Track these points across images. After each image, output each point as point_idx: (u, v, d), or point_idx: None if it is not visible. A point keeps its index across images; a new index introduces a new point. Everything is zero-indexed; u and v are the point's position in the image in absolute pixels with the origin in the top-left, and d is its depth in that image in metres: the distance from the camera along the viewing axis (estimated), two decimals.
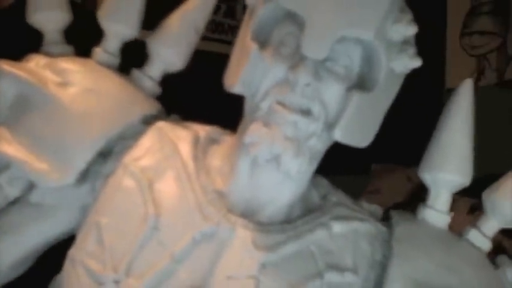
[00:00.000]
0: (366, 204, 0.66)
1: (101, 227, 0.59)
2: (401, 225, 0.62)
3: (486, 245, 0.62)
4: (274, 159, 0.56)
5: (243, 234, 0.57)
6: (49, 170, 0.61)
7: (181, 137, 0.64)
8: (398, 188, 1.54)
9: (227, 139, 0.65)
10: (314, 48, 0.55)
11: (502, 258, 0.63)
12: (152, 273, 0.56)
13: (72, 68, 0.66)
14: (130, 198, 0.60)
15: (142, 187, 0.60)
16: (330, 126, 0.57)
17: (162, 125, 0.65)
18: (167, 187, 0.60)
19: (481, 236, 0.62)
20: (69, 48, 0.72)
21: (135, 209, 0.59)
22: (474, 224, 0.63)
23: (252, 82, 0.58)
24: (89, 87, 0.65)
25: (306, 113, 0.56)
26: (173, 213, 0.58)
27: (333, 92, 0.57)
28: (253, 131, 0.56)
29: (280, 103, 0.56)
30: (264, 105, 0.57)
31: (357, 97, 0.57)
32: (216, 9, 1.73)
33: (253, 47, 0.58)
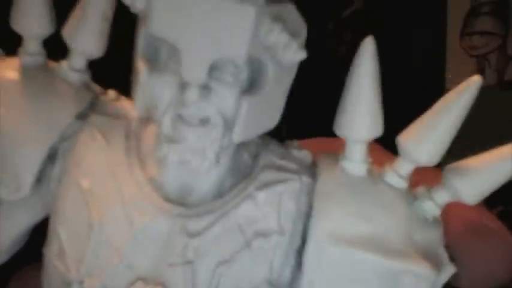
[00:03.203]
0: (296, 152, 0.69)
1: (59, 235, 0.66)
2: (322, 178, 0.66)
3: (402, 184, 0.66)
4: (184, 163, 0.62)
5: (177, 223, 0.63)
6: (5, 188, 0.67)
7: (113, 129, 0.68)
8: None
9: None
10: (192, 74, 0.59)
11: (420, 190, 0.66)
12: (107, 271, 0.63)
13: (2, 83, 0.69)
14: (76, 207, 0.65)
15: (84, 194, 0.65)
16: (229, 127, 0.62)
17: (93, 120, 0.69)
18: (105, 190, 0.65)
19: (397, 177, 0.66)
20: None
21: (81, 217, 0.65)
22: (391, 166, 0.66)
23: (151, 98, 0.62)
24: (16, 100, 0.68)
25: (205, 121, 0.61)
26: (114, 215, 0.64)
27: (224, 98, 0.61)
28: (162, 149, 0.62)
29: (180, 117, 0.61)
30: (166, 120, 0.61)
31: (247, 101, 0.61)
32: None
33: (143, 69, 0.61)
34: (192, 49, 0.58)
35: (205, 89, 0.60)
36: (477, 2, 1.95)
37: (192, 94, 0.59)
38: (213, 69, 0.59)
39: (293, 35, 0.60)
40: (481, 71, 1.93)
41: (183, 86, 0.60)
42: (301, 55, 0.61)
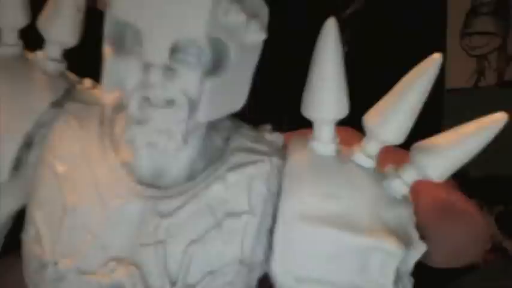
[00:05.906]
0: (268, 135, 0.70)
1: (35, 220, 0.67)
2: (291, 159, 0.67)
3: (370, 164, 0.66)
4: (152, 145, 0.63)
5: (149, 205, 0.65)
6: None
7: (88, 116, 0.69)
8: None
9: None
10: (153, 54, 0.60)
11: (389, 169, 0.67)
12: (81, 252, 0.65)
13: None
14: (51, 191, 0.67)
15: (59, 179, 0.67)
16: (194, 108, 0.62)
17: (69, 108, 0.70)
18: (80, 174, 0.66)
19: (365, 157, 0.66)
20: None
21: (56, 201, 0.66)
22: (360, 146, 0.66)
23: (118, 82, 0.63)
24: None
25: (170, 103, 0.62)
26: (88, 199, 0.65)
27: (188, 80, 0.62)
28: (129, 131, 0.63)
29: (146, 99, 0.62)
30: (133, 103, 0.62)
31: (210, 82, 0.62)
32: None
33: (108, 53, 0.62)
34: (152, 30, 0.60)
35: (168, 70, 0.61)
36: (477, 2, 1.95)
37: (155, 75, 0.60)
38: (176, 51, 0.61)
39: (252, 15, 0.61)
40: (481, 71, 1.94)
41: (146, 68, 0.61)
42: (261, 36, 0.62)
